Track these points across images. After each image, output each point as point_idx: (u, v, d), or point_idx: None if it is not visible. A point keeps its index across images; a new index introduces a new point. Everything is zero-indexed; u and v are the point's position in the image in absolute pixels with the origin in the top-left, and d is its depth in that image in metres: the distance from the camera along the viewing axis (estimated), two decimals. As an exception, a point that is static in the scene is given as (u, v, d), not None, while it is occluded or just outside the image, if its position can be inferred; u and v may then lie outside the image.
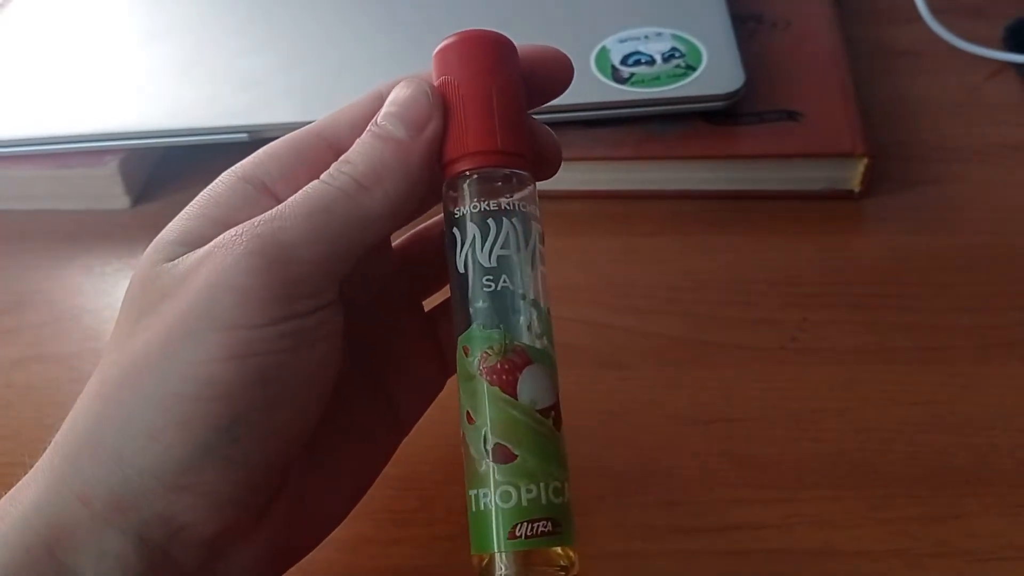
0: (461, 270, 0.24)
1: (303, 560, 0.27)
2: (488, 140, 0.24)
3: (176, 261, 0.23)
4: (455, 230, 0.25)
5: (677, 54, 0.44)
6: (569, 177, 0.44)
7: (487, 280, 0.24)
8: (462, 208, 0.24)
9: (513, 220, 0.24)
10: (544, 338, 0.24)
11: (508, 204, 0.24)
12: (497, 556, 0.23)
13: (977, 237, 0.40)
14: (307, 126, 0.26)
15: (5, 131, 0.46)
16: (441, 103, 0.24)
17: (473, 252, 0.24)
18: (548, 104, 0.42)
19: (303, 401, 0.23)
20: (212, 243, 0.22)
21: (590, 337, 0.38)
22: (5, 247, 0.46)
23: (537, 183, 0.26)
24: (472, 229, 0.24)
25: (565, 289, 0.40)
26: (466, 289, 0.24)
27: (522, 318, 0.24)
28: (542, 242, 0.25)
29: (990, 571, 0.29)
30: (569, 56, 0.26)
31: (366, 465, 0.28)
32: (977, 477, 0.31)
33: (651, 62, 0.44)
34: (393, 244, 0.30)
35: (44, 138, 0.45)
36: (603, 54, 0.45)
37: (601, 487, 0.32)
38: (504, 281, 0.24)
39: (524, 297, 0.24)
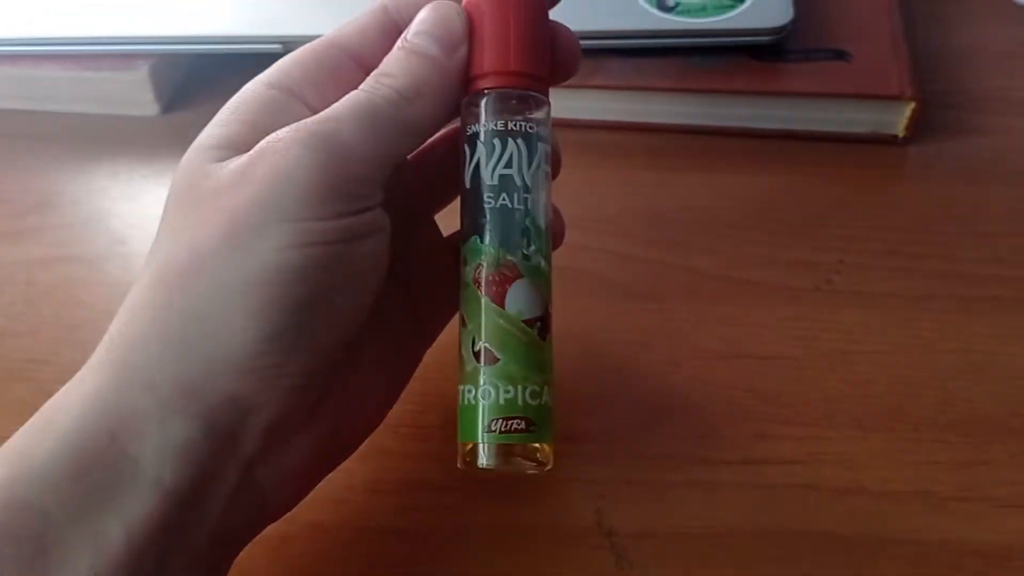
0: (467, 186, 0.26)
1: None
2: (504, 61, 0.25)
3: (225, 162, 0.23)
4: (466, 146, 0.26)
5: (725, -15, 0.43)
6: (607, 107, 0.43)
7: (488, 196, 0.25)
8: (475, 126, 0.26)
9: (518, 141, 0.25)
10: (539, 254, 0.26)
11: (516, 125, 0.25)
12: (479, 445, 0.25)
13: (1022, 189, 0.39)
14: (319, 38, 0.26)
15: (34, 29, 0.45)
16: (468, 25, 0.25)
17: (478, 169, 0.26)
18: (592, 29, 0.41)
19: (360, 287, 0.24)
20: (264, 141, 0.23)
21: (619, 268, 0.37)
22: (29, 146, 0.45)
23: (559, 105, 0.27)
24: (480, 147, 0.26)
25: (595, 220, 0.39)
26: (469, 203, 0.26)
27: (518, 234, 0.26)
28: (548, 163, 0.27)
29: (1013, 517, 0.29)
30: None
31: (397, 371, 0.29)
32: (1006, 426, 0.31)
33: (698, -8, 0.43)
34: None
35: (75, 38, 0.45)
36: (649, -18, 0.43)
37: (626, 416, 0.32)
38: (503, 199, 0.25)
39: (522, 215, 0.26)
